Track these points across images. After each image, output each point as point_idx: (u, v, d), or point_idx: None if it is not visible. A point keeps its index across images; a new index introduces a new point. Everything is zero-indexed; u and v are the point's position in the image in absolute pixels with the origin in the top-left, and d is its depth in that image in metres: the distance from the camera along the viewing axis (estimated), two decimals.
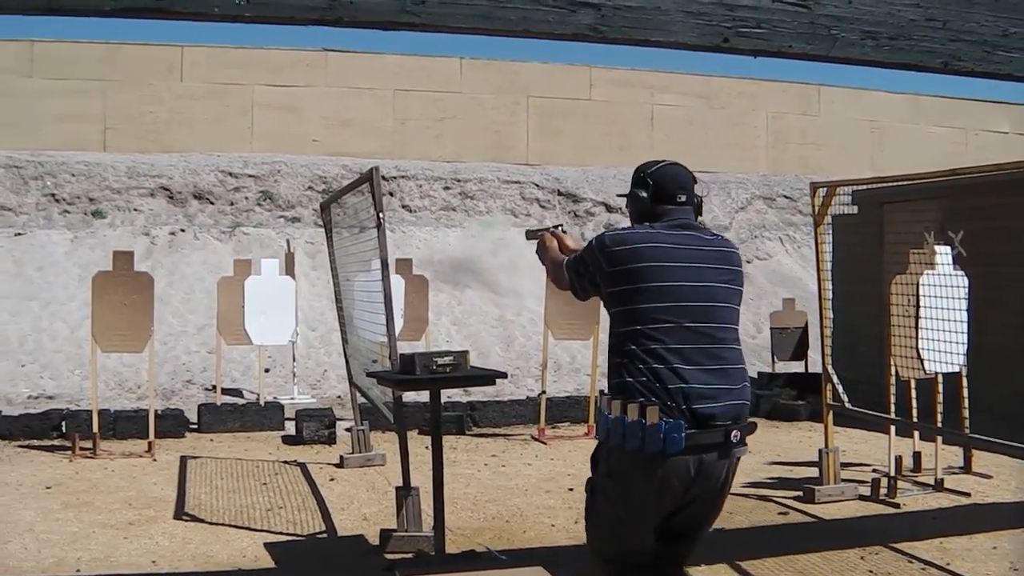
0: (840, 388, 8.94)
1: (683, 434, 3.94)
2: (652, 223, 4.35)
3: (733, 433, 4.07)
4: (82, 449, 10.83)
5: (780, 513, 8.57)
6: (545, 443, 11.67)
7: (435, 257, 18.23)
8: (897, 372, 8.93)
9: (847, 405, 8.93)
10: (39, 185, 18.25)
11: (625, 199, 4.53)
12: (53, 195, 18.20)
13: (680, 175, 4.43)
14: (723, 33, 4.78)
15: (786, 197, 21.98)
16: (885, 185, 10.23)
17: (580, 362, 15.54)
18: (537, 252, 4.92)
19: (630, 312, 4.15)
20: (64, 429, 11.61)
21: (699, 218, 4.47)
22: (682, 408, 3.99)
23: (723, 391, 4.09)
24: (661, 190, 4.38)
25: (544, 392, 12.34)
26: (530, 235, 5.05)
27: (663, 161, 4.53)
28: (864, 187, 10.40)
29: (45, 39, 19.78)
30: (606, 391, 4.25)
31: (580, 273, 4.42)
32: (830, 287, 9.26)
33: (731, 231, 20.71)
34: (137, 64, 20.08)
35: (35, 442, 11.47)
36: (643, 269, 4.14)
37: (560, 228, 4.93)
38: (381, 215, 7.39)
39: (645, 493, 4.08)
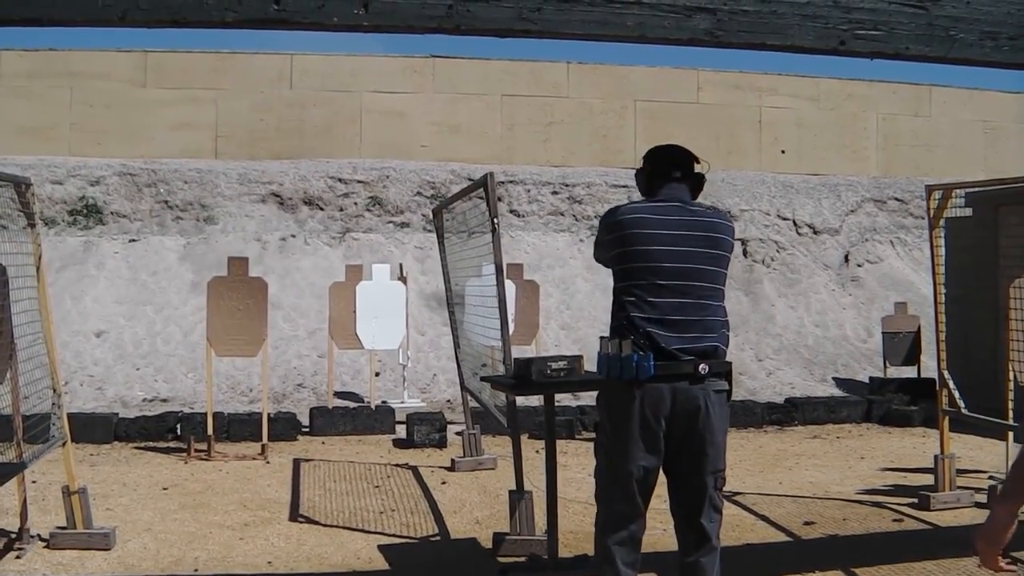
0: (956, 393, 8.80)
1: (651, 363, 4.74)
2: (650, 198, 5.14)
3: (701, 366, 4.80)
4: (197, 451, 11.04)
5: (895, 520, 8.46)
6: None
7: (544, 262, 18.24)
8: (1016, 377, 8.76)
9: (963, 411, 8.79)
10: (153, 192, 18.58)
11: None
12: (166, 202, 18.52)
13: (675, 154, 5.17)
14: (840, 36, 4.75)
15: (897, 200, 21.67)
16: (1001, 187, 10.05)
17: None
18: None
19: (620, 271, 5.02)
20: (179, 431, 11.86)
21: (699, 193, 5.20)
22: (651, 344, 4.79)
23: (690, 335, 4.84)
24: (658, 167, 5.15)
25: None
26: None
27: (665, 144, 5.26)
28: (979, 189, 10.24)
29: (159, 49, 20.16)
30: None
31: (598, 243, 5.36)
32: (944, 290, 9.13)
33: (841, 234, 20.49)
34: (248, 73, 20.37)
35: (151, 444, 11.71)
36: (627, 236, 4.96)
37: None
38: (496, 220, 7.42)
39: (631, 413, 4.84)
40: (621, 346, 4.84)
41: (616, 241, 5.02)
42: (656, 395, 4.79)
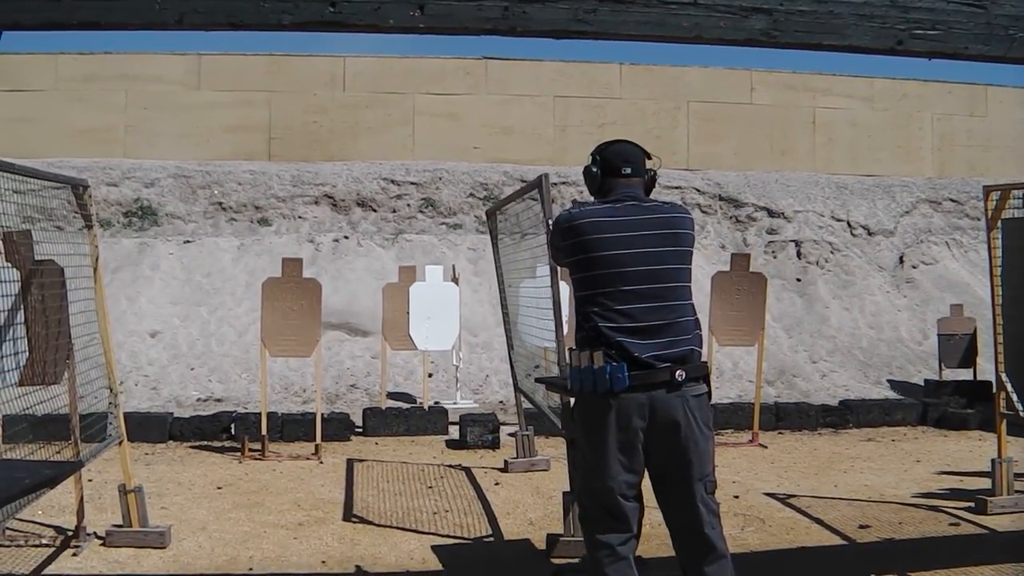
0: (1015, 396, 8.69)
1: (626, 374, 4.57)
2: (603, 198, 4.95)
3: (678, 372, 4.64)
4: (251, 451, 11.10)
5: (951, 524, 8.38)
6: None
7: None
8: None
9: (1021, 414, 8.68)
10: (207, 194, 18.70)
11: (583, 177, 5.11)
12: (220, 204, 18.63)
13: (626, 151, 5.00)
14: (897, 35, 4.71)
15: (953, 200, 21.47)
16: None
17: (743, 368, 15.41)
18: None
19: (581, 279, 4.84)
20: (233, 431, 11.92)
21: (651, 191, 5.06)
22: (623, 355, 4.62)
23: (664, 341, 4.69)
24: (608, 164, 4.96)
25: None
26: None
27: (613, 140, 5.11)
28: None
29: (212, 52, 20.28)
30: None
31: (554, 248, 5.16)
32: (1001, 292, 9.02)
33: (896, 235, 20.32)
34: (301, 75, 20.46)
35: (206, 443, 11.79)
36: (586, 242, 4.77)
37: None
38: (551, 222, 7.41)
39: (606, 426, 4.67)
40: (592, 357, 4.66)
41: (574, 247, 4.83)
42: (633, 406, 4.64)
